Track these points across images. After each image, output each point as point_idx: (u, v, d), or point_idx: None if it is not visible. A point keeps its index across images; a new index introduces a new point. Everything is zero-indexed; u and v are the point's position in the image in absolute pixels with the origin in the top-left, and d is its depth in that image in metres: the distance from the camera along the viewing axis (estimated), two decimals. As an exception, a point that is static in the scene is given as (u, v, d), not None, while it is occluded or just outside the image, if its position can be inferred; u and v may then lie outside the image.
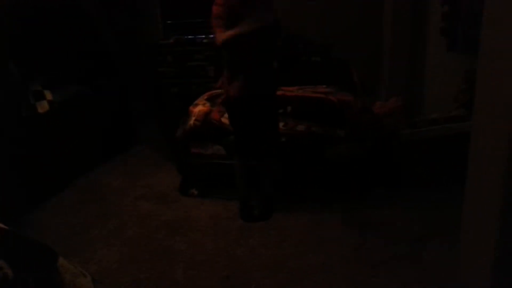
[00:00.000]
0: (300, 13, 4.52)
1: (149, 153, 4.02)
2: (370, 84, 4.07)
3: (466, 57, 3.14)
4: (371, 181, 3.09)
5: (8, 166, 2.94)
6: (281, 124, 3.16)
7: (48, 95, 3.45)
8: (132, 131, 4.30)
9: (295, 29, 4.42)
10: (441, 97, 3.37)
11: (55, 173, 3.34)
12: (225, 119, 3.10)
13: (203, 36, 4.65)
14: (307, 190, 3.10)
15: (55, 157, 3.36)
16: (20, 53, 3.31)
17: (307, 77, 3.84)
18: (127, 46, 4.52)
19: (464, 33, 3.18)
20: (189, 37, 4.76)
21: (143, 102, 4.56)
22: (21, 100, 3.24)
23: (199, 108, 3.28)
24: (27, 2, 3.35)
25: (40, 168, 3.19)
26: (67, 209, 3.11)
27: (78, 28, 3.91)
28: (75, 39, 3.89)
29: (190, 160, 3.24)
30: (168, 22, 4.91)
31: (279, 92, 3.34)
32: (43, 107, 3.38)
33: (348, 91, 3.45)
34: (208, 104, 3.33)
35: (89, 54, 3.96)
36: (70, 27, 3.82)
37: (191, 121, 3.23)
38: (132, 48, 4.58)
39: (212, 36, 2.91)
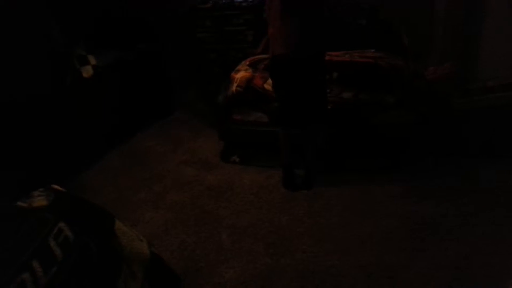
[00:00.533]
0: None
1: (189, 119, 4.03)
2: (421, 48, 3.84)
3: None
4: (422, 150, 2.97)
5: (54, 129, 3.01)
6: (326, 91, 3.06)
7: (92, 59, 3.48)
8: (172, 96, 4.31)
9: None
10: (499, 62, 3.14)
11: (99, 137, 3.41)
12: (268, 85, 3.02)
13: (241, -1, 4.50)
14: (354, 159, 3.01)
15: (98, 121, 3.42)
16: (64, 18, 3.31)
17: (352, 41, 3.66)
18: (165, 11, 4.45)
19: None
20: (227, 0, 4.62)
21: (182, 68, 4.53)
22: (67, 65, 3.28)
23: (241, 74, 3.20)
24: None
25: (84, 131, 3.26)
26: (113, 172, 3.18)
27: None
28: (115, 4, 3.87)
29: (232, 127, 3.20)
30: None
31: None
32: (87, 71, 3.42)
33: (398, 56, 3.27)
34: (250, 70, 3.24)
35: (129, 20, 3.94)
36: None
37: (233, 87, 3.17)
38: (170, 12, 4.51)
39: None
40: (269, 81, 2.94)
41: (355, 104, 2.96)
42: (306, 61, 2.53)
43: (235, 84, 3.17)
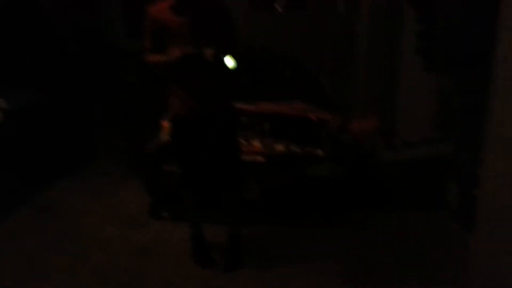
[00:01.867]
0: (269, 26, 4.44)
1: (112, 168, 3.74)
2: (344, 102, 4.04)
3: (442, 77, 3.17)
4: (350, 203, 3.03)
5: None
6: (258, 143, 3.04)
7: (1, 103, 3.12)
8: (93, 142, 4.00)
9: (263, 42, 4.32)
10: (417, 118, 3.38)
11: (9, 190, 3.01)
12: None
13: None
14: (287, 212, 2.98)
15: (9, 172, 3.03)
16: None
17: (279, 92, 3.74)
18: (88, 47, 4.21)
19: (442, 51, 3.19)
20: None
21: (105, 111, 4.26)
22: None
23: (171, 122, 3.07)
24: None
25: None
26: (23, 234, 2.80)
27: (34, 29, 3.58)
28: (30, 40, 3.57)
29: (162, 179, 3.01)
30: (132, 23, 4.63)
31: (254, 108, 3.23)
32: (-4, 117, 3.05)
33: (323, 108, 3.38)
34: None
35: (46, 57, 3.65)
36: (24, 27, 3.49)
37: (164, 135, 3.01)
38: (92, 49, 4.28)
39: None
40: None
41: (289, 157, 2.97)
42: (203, 117, 2.34)
43: (165, 132, 3.02)
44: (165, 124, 3.05)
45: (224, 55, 2.16)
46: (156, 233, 2.82)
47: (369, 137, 3.26)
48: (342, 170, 2.99)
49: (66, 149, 3.60)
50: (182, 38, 2.18)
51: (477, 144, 2.21)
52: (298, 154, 2.98)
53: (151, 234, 2.81)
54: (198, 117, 2.31)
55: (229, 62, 2.18)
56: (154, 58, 2.31)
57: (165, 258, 2.57)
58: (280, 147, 3.02)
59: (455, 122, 3.01)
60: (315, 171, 2.97)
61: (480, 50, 2.53)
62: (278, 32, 4.47)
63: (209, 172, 2.44)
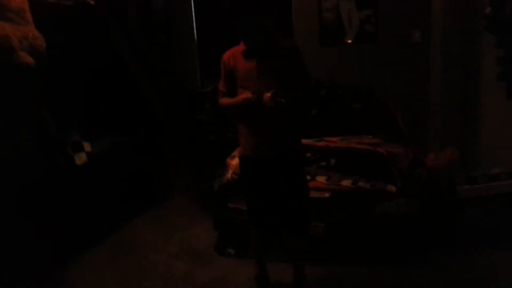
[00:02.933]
0: (337, 59, 4.40)
1: (185, 205, 3.88)
2: (419, 133, 3.81)
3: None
4: (424, 242, 2.79)
5: (38, 221, 2.87)
6: (323, 179, 2.96)
7: (87, 146, 3.42)
8: (168, 181, 4.21)
9: (334, 74, 4.28)
10: (500, 149, 3.07)
11: (88, 227, 3.24)
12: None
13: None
14: (354, 251, 2.82)
15: (89, 210, 3.27)
16: (60, 104, 3.31)
17: (349, 125, 3.65)
18: (166, 95, 4.51)
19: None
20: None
21: (180, 150, 4.49)
22: (58, 152, 3.22)
23: (237, 160, 3.12)
24: (67, 54, 3.38)
25: (73, 222, 3.10)
26: (99, 267, 2.98)
27: (117, 79, 3.93)
28: (114, 90, 3.92)
29: (227, 216, 3.05)
30: (206, 70, 4.91)
31: (321, 143, 3.17)
32: (81, 159, 3.34)
33: (395, 142, 3.22)
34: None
35: (127, 105, 3.97)
36: (109, 78, 3.85)
37: (228, 174, 3.07)
38: (170, 96, 4.57)
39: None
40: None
41: (356, 193, 2.84)
42: (272, 160, 2.32)
43: (230, 171, 3.08)
44: (231, 162, 3.13)
45: (282, 97, 2.15)
46: (222, 271, 2.82)
47: (447, 170, 3.01)
48: (416, 207, 2.78)
49: (143, 187, 3.82)
50: (250, 81, 2.25)
51: None
52: (366, 190, 2.84)
53: (217, 271, 2.83)
54: (264, 157, 2.32)
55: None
56: (225, 102, 2.40)
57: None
58: (347, 183, 2.90)
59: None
60: (385, 207, 2.80)
61: None
62: (347, 64, 4.41)
63: (275, 210, 2.41)
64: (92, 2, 3.51)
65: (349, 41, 4.48)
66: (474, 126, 3.29)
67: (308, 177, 2.87)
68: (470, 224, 2.83)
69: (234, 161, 3.09)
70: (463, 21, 3.41)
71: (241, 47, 2.33)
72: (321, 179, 2.94)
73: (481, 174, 2.94)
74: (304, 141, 2.69)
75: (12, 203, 2.67)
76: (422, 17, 3.97)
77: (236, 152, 3.22)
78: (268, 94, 2.15)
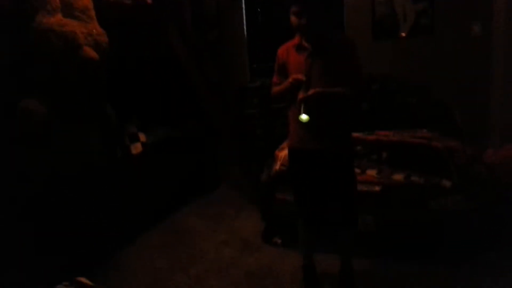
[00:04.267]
0: (391, 53, 4.29)
1: (233, 195, 3.97)
2: (477, 130, 3.62)
3: None
4: (481, 241, 2.64)
5: (101, 205, 3.03)
6: (374, 172, 2.90)
7: (142, 137, 3.58)
8: (217, 172, 4.30)
9: (387, 69, 4.18)
10: None
11: (142, 213, 3.39)
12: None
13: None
14: (404, 247, 2.74)
15: (143, 197, 3.42)
16: (119, 96, 3.49)
17: (403, 120, 3.54)
18: (216, 90, 4.61)
19: None
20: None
21: (229, 143, 4.57)
22: (117, 142, 3.39)
23: (285, 152, 3.13)
24: (126, 50, 3.55)
25: (128, 208, 3.25)
26: (151, 252, 3.10)
27: (172, 75, 4.07)
28: (169, 85, 4.07)
29: (274, 207, 3.07)
30: (254, 66, 4.97)
31: (372, 137, 3.11)
32: (136, 148, 3.50)
33: (452, 136, 3.09)
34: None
35: (180, 99, 4.10)
36: (164, 73, 4.00)
37: (277, 166, 3.09)
38: (220, 92, 4.67)
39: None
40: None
41: (408, 187, 2.75)
42: (320, 153, 2.31)
43: (278, 163, 3.10)
44: (279, 154, 3.14)
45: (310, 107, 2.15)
46: (269, 259, 2.85)
47: (506, 167, 2.84)
48: (474, 204, 2.65)
49: (193, 178, 3.94)
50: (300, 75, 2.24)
51: None
52: (420, 185, 2.75)
53: (263, 259, 2.86)
54: (312, 149, 2.31)
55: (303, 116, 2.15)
56: (275, 89, 2.45)
57: (276, 286, 2.57)
58: (399, 177, 2.82)
59: None
60: (440, 204, 2.69)
61: None
62: (401, 58, 4.28)
63: (323, 203, 2.40)
64: (150, 1, 3.66)
65: (403, 35, 4.35)
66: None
67: (358, 171, 2.84)
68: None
69: (283, 153, 3.11)
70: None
71: (295, 41, 2.34)
72: (371, 172, 2.89)
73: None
74: (354, 134, 2.65)
75: (74, 192, 2.83)
76: (483, 9, 3.78)
77: (284, 144, 3.23)
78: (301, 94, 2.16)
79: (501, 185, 2.72)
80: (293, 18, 2.26)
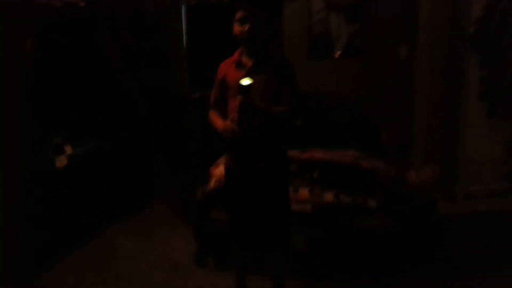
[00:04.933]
0: (326, 71, 4.43)
1: (165, 212, 3.85)
2: (402, 150, 3.84)
3: (508, 123, 2.93)
4: (404, 259, 2.80)
5: (17, 224, 2.81)
6: (306, 191, 2.97)
7: (68, 149, 3.38)
8: (150, 187, 4.17)
9: (321, 87, 4.31)
10: (480, 167, 3.12)
11: (65, 233, 3.19)
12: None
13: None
14: (334, 266, 2.82)
15: (68, 214, 3.22)
16: (43, 107, 3.27)
17: (334, 138, 3.67)
18: (152, 99, 4.48)
19: (507, 97, 2.97)
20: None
21: (164, 156, 4.45)
22: (39, 155, 3.17)
23: (221, 169, 3.10)
24: (54, 56, 3.34)
25: (51, 226, 3.05)
26: (73, 275, 2.92)
27: (103, 82, 3.90)
28: (100, 93, 3.88)
29: (208, 226, 3.03)
30: (195, 76, 4.89)
31: (304, 155, 3.18)
32: (61, 161, 3.30)
33: (378, 157, 3.24)
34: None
35: (112, 108, 3.93)
36: (95, 81, 3.82)
37: (212, 183, 3.06)
38: (157, 102, 4.54)
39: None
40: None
41: (337, 206, 2.85)
42: (256, 171, 2.31)
43: (213, 180, 3.07)
44: (214, 171, 3.11)
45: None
46: (200, 282, 2.79)
47: (428, 187, 3.04)
48: (396, 223, 2.81)
49: (124, 193, 3.78)
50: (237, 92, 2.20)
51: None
52: (348, 204, 2.85)
53: (194, 282, 2.79)
54: (249, 169, 2.30)
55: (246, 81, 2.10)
56: (211, 119, 2.41)
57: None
58: (329, 196, 2.91)
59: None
60: (366, 223, 2.82)
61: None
62: (334, 77, 4.43)
63: (257, 222, 2.39)
64: (82, 4, 3.48)
65: (337, 54, 4.52)
66: (455, 144, 3.33)
67: (291, 189, 2.88)
68: (449, 242, 2.86)
69: (218, 170, 3.08)
70: (449, 38, 3.46)
71: (234, 57, 2.33)
72: (303, 191, 2.95)
73: (461, 193, 2.97)
74: (290, 152, 2.69)
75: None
76: (409, 32, 4.02)
77: (220, 161, 3.21)
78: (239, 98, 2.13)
79: (421, 205, 2.88)
80: (236, 27, 2.24)
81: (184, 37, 4.79)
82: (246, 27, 2.19)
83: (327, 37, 4.50)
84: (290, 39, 4.42)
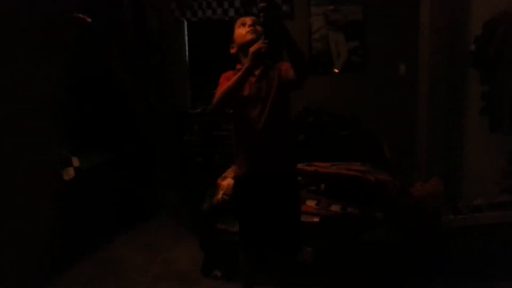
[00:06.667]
0: (327, 86, 4.52)
1: (171, 224, 3.85)
2: (404, 164, 3.90)
3: (509, 138, 3.00)
4: (409, 270, 2.82)
5: (25, 235, 2.80)
6: (313, 203, 2.99)
7: (75, 161, 3.39)
8: (154, 200, 4.18)
9: (322, 102, 4.39)
10: (483, 180, 3.18)
11: (72, 243, 3.18)
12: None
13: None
14: (341, 278, 2.83)
15: (74, 226, 3.21)
16: (51, 120, 3.29)
17: (336, 151, 3.72)
18: (156, 114, 4.53)
19: (507, 112, 3.04)
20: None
21: (167, 170, 4.48)
22: (47, 166, 3.18)
23: (228, 181, 3.12)
24: (60, 70, 3.38)
25: (57, 237, 3.04)
26: (82, 284, 2.92)
27: (109, 97, 3.94)
28: (105, 107, 3.92)
29: (215, 237, 3.03)
30: (196, 92, 4.96)
31: (311, 168, 3.21)
32: (68, 174, 3.31)
33: (383, 170, 3.29)
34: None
35: (117, 123, 3.97)
36: (101, 96, 3.86)
37: (219, 195, 3.07)
38: (160, 117, 4.59)
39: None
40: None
41: (345, 218, 2.88)
42: (264, 179, 2.27)
43: (221, 192, 3.08)
44: (222, 183, 3.13)
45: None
46: (207, 293, 2.80)
47: (432, 200, 3.08)
48: (402, 235, 2.84)
49: (130, 205, 3.79)
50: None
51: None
52: (355, 216, 2.88)
53: (202, 292, 2.80)
54: (259, 178, 2.27)
55: None
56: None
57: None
58: (336, 208, 2.94)
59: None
60: (372, 234, 2.84)
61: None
62: (334, 93, 4.52)
63: (268, 233, 2.35)
64: (89, 20, 3.55)
65: (336, 71, 4.62)
66: (458, 158, 3.40)
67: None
68: (454, 254, 2.88)
69: (226, 182, 3.10)
70: (450, 55, 3.56)
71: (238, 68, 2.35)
72: (311, 203, 2.97)
73: (464, 205, 3.02)
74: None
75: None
76: (408, 50, 4.13)
77: (228, 173, 3.24)
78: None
79: (427, 217, 2.93)
80: (240, 30, 2.22)
81: (186, 53, 4.88)
82: (258, 29, 2.16)
83: (327, 53, 4.63)
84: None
